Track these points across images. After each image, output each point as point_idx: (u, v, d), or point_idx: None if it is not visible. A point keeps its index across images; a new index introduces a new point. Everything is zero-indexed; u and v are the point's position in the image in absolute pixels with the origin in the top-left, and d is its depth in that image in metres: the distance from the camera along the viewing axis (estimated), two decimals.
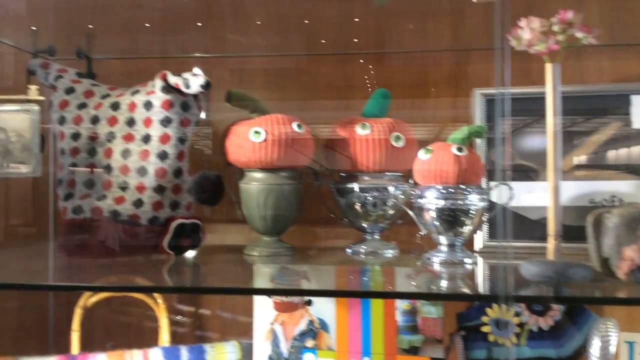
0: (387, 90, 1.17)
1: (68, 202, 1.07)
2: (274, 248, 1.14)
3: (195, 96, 1.07)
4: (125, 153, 1.06)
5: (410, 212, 1.07)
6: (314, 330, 1.14)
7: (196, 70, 1.07)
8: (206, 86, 1.02)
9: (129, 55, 1.39)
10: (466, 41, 1.30)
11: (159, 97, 1.05)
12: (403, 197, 1.13)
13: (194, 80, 1.02)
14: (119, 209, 1.04)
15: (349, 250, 1.16)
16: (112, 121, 1.08)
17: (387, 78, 1.34)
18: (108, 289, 1.18)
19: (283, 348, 1.15)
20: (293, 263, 1.12)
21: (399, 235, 1.21)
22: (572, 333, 1.13)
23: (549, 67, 0.88)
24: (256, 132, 1.07)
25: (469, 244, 1.08)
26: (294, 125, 1.10)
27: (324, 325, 1.13)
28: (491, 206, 1.06)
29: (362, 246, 1.15)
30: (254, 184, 1.11)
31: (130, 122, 1.07)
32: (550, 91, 0.88)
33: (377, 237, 1.16)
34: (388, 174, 1.13)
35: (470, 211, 1.01)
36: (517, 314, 1.12)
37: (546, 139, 0.94)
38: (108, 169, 1.06)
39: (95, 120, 1.09)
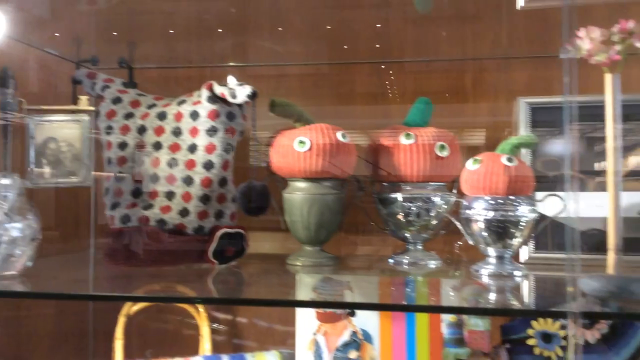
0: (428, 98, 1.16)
1: (115, 211, 1.07)
2: (317, 258, 1.14)
3: (240, 105, 1.07)
4: (172, 162, 1.06)
5: (457, 223, 1.06)
6: (357, 342, 1.13)
7: (230, 79, 1.07)
8: (252, 96, 1.02)
9: (165, 65, 1.40)
10: (507, 48, 1.29)
11: (205, 107, 1.05)
12: (447, 207, 1.12)
13: (240, 90, 1.02)
14: (165, 218, 1.05)
15: (390, 260, 1.15)
16: (159, 131, 1.08)
17: (426, 86, 1.34)
18: (146, 299, 1.19)
19: (325, 359, 1.14)
20: (336, 273, 1.11)
21: (437, 245, 1.20)
22: (620, 346, 1.10)
23: (608, 78, 0.87)
24: (301, 142, 1.07)
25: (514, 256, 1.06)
26: (339, 135, 1.09)
27: (367, 337, 1.12)
28: (541, 217, 1.05)
29: (405, 256, 1.14)
30: (298, 194, 1.11)
31: (177, 132, 1.08)
32: (609, 102, 0.87)
33: (419, 247, 1.15)
34: (432, 183, 1.12)
35: (520, 223, 1.00)
36: (563, 327, 1.10)
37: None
38: (154, 178, 1.07)
39: (142, 130, 1.09)
